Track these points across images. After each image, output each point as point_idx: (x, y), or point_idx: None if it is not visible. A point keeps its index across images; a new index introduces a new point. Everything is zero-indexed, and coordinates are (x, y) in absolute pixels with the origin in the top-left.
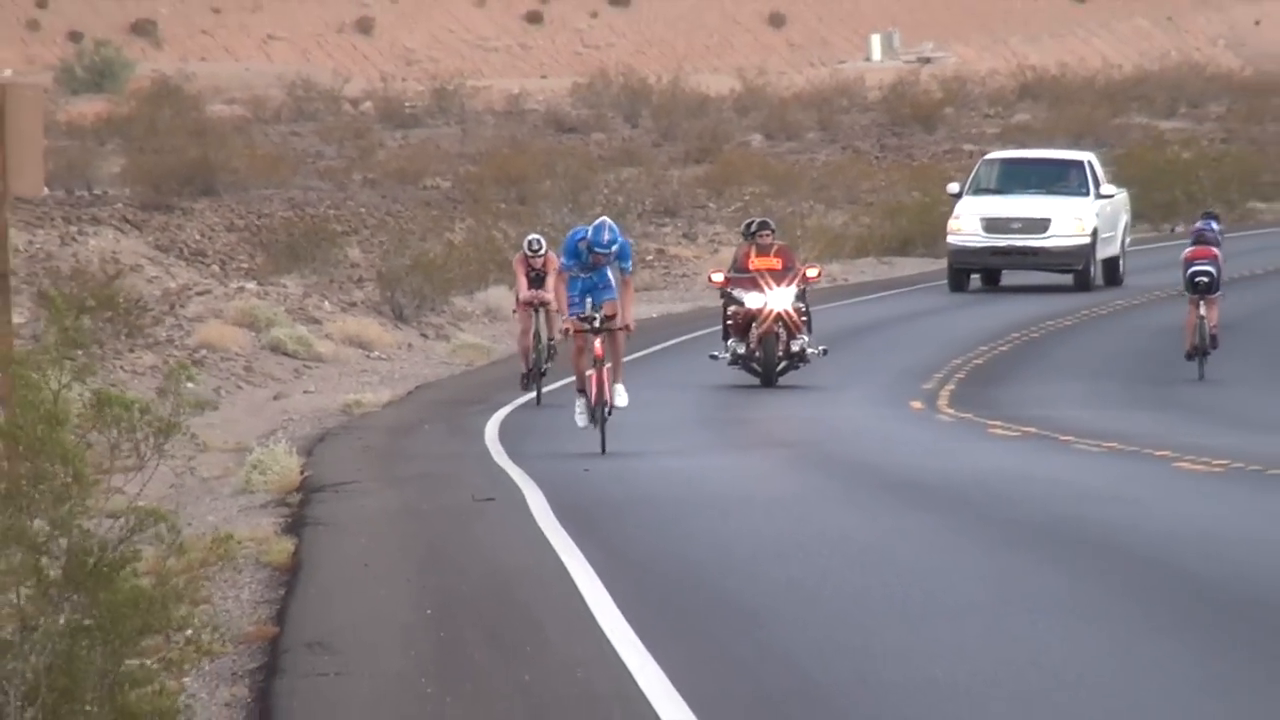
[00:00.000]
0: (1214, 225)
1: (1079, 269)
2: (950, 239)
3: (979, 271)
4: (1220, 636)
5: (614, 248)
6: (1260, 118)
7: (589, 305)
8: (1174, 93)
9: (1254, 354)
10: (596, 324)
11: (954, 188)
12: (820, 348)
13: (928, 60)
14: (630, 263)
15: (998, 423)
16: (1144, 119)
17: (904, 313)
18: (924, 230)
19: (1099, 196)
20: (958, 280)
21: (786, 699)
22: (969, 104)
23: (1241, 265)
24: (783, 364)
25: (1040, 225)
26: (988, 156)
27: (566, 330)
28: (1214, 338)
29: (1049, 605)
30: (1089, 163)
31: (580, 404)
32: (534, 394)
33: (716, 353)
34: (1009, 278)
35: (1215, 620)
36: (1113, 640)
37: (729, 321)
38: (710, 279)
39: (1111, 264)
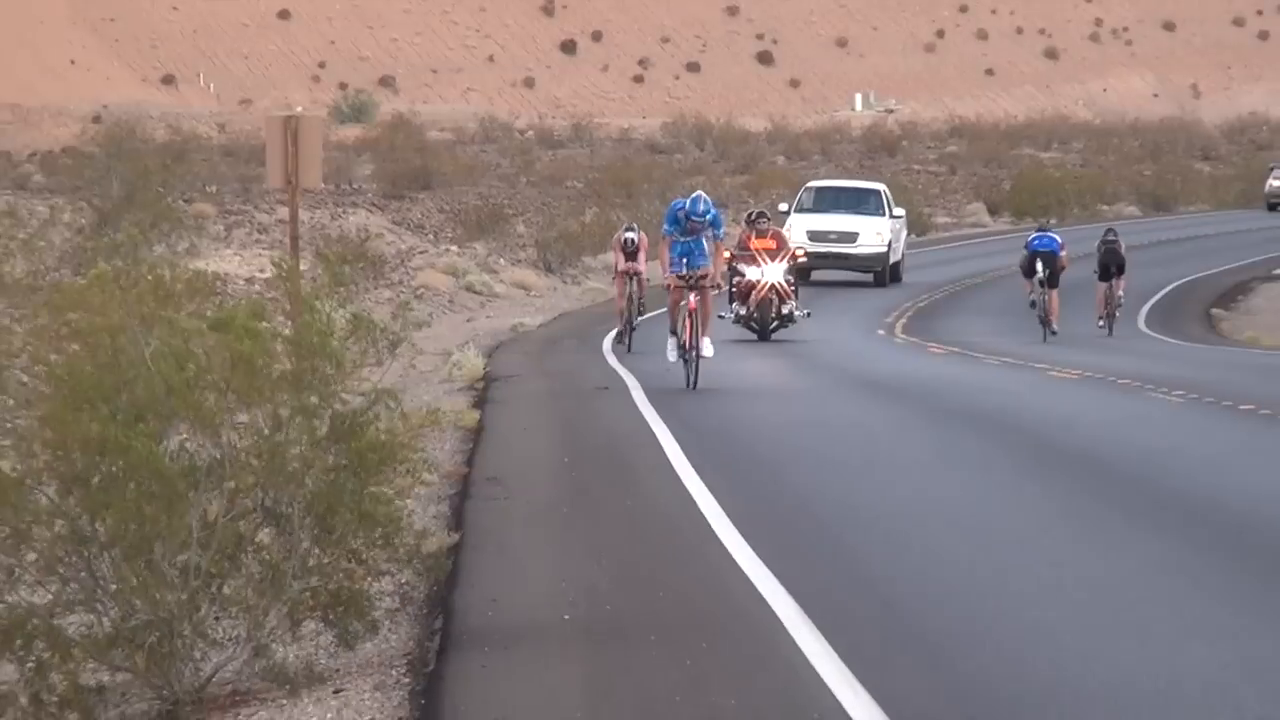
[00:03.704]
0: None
1: (878, 270)
2: None
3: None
4: (1074, 482)
5: (708, 216)
6: (1105, 151)
7: (684, 266)
8: (1049, 134)
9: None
10: (692, 282)
11: (783, 207)
12: (805, 311)
13: (891, 111)
14: (721, 230)
15: (933, 344)
16: (1031, 151)
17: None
18: None
19: (892, 216)
20: None
21: (794, 517)
22: (918, 139)
23: (1091, 244)
24: (775, 324)
25: (851, 237)
26: (808, 185)
27: (668, 285)
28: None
29: (965, 459)
30: (883, 190)
31: (671, 342)
32: (626, 344)
33: (723, 313)
34: (817, 275)
35: (1071, 471)
36: (1004, 484)
37: (733, 289)
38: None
39: (896, 267)
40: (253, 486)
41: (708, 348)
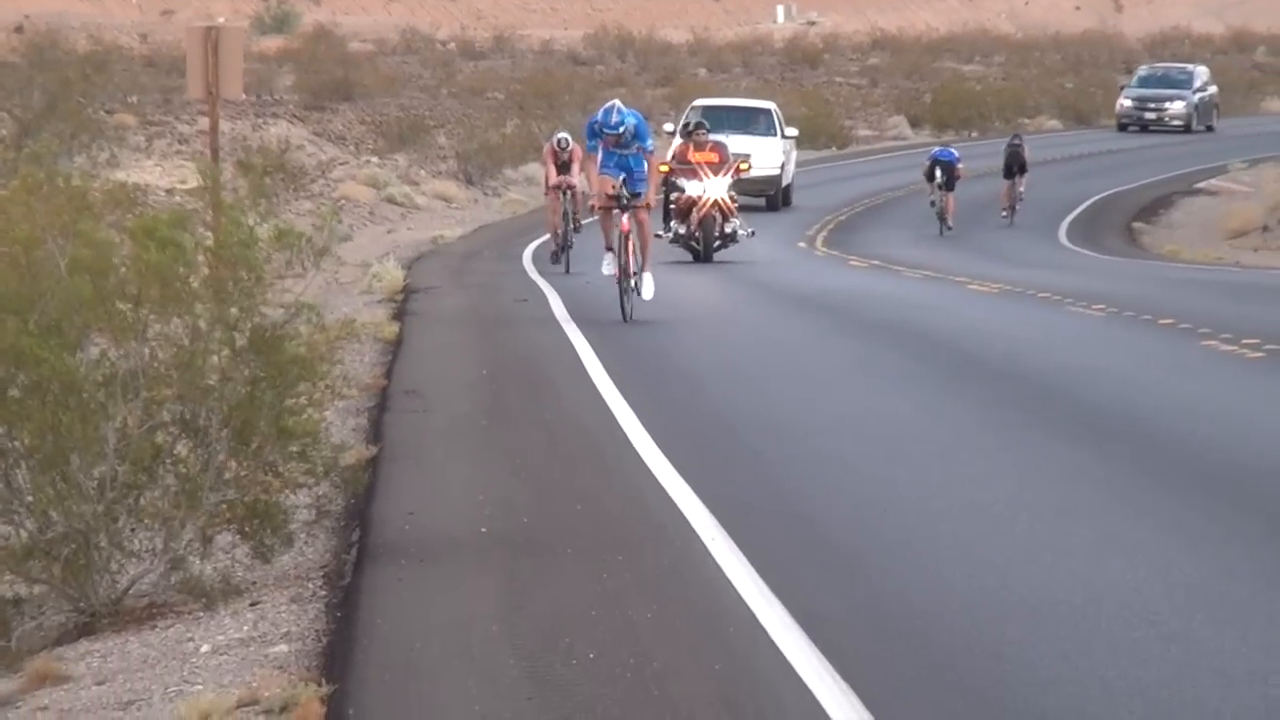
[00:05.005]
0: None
1: (771, 194)
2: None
3: None
4: (993, 396)
5: (622, 128)
6: (1026, 64)
7: (621, 180)
8: (971, 48)
9: (1025, 218)
10: (624, 201)
11: (669, 127)
12: (749, 230)
13: (813, 23)
14: (650, 140)
15: (854, 257)
16: (952, 64)
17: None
18: (808, 132)
19: (784, 137)
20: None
21: (713, 431)
22: (839, 52)
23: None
24: (718, 243)
25: (742, 159)
26: (695, 103)
27: (594, 205)
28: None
29: (884, 372)
30: (774, 110)
31: (608, 257)
32: (563, 266)
33: (660, 232)
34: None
35: (991, 385)
36: (923, 398)
37: (671, 205)
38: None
39: (786, 190)
40: (170, 398)
41: (648, 287)
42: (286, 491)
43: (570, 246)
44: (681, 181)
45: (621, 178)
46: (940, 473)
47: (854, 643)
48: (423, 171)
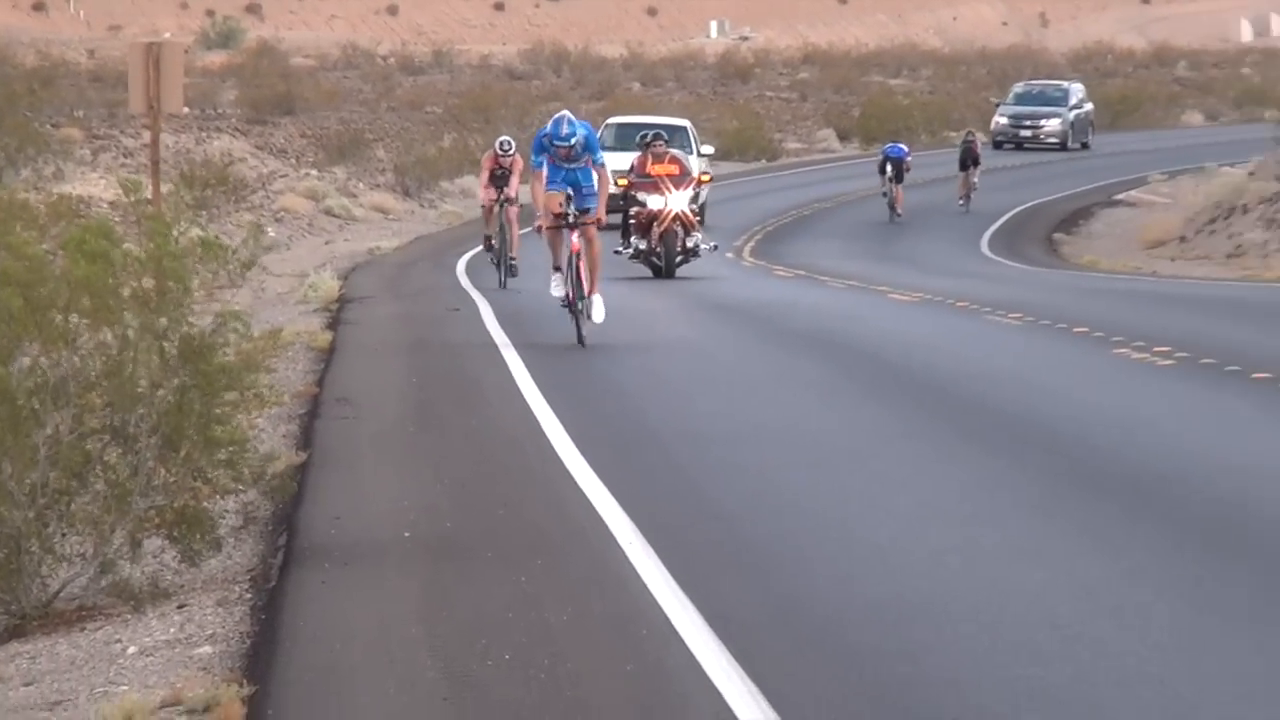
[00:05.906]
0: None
1: None
2: None
3: (609, 213)
4: (911, 403)
5: (573, 140)
6: (953, 78)
7: (568, 196)
8: (899, 62)
9: (949, 228)
10: (571, 219)
11: None
12: (711, 244)
13: (745, 38)
14: (600, 155)
15: (780, 268)
16: (880, 78)
17: (716, 199)
18: (738, 145)
19: (700, 155)
20: None
21: (637, 441)
22: (770, 67)
23: (939, 169)
24: (680, 258)
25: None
26: (609, 121)
27: (539, 226)
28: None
29: (806, 382)
30: (689, 128)
31: (556, 278)
32: (500, 281)
33: (619, 248)
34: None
35: (909, 393)
36: (843, 406)
37: (631, 221)
38: (615, 182)
39: (701, 209)
40: (100, 406)
41: (598, 310)
42: (215, 497)
43: (511, 264)
44: (642, 195)
45: (568, 192)
46: (856, 479)
47: (764, 645)
48: (361, 184)
